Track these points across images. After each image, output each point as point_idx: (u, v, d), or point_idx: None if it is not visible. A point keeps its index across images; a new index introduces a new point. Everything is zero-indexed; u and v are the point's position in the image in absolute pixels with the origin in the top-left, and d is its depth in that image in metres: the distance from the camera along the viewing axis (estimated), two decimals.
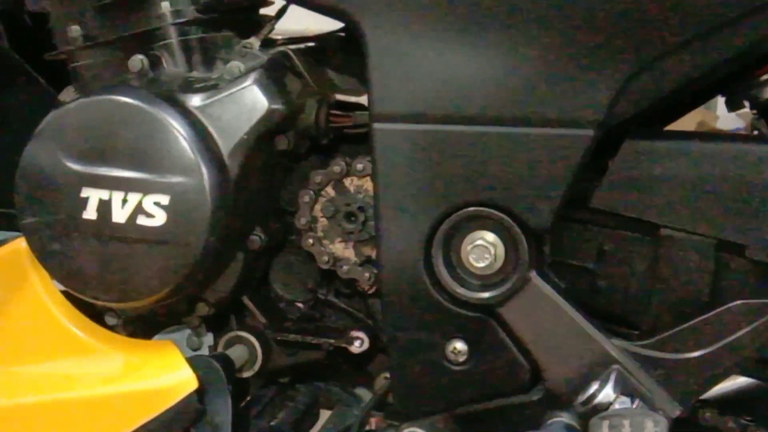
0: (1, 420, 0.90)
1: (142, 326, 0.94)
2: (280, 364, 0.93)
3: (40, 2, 0.92)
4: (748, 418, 0.82)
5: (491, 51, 0.76)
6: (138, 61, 0.85)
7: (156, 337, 0.98)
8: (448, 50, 0.77)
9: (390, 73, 0.78)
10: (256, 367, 0.92)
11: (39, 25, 0.96)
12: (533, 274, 0.78)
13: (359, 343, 0.88)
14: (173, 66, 0.87)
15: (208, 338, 0.96)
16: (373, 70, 0.78)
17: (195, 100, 0.82)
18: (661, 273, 0.79)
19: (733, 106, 0.87)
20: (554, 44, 0.75)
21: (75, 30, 0.88)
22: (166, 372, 0.82)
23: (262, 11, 0.98)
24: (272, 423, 0.92)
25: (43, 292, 0.90)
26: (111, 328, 0.92)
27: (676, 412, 0.76)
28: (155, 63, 0.87)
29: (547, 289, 0.78)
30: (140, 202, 0.80)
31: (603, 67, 0.74)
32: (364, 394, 0.98)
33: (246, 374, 0.92)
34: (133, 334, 0.93)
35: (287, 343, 0.91)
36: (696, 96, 0.90)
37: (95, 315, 0.92)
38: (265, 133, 0.83)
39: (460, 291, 0.80)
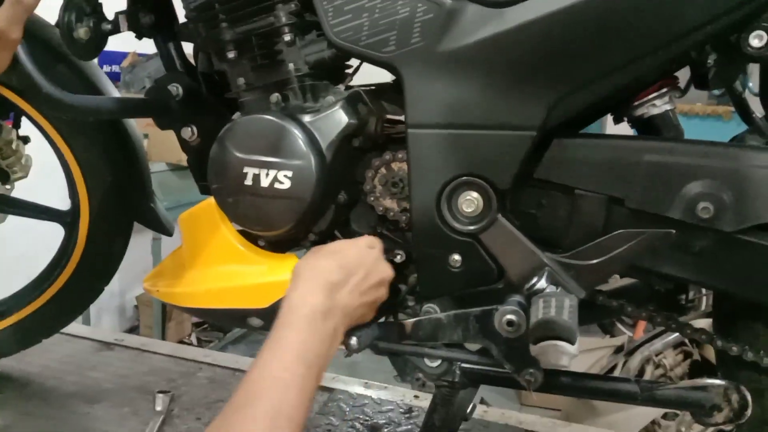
0: (205, 299, 0.96)
1: (279, 246, 0.99)
2: None
3: (221, 65, 0.97)
4: (622, 301, 0.87)
5: (473, 83, 0.80)
6: (275, 97, 0.93)
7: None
8: (452, 81, 0.81)
9: (418, 99, 0.84)
10: None
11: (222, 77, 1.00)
12: (500, 216, 0.84)
13: (399, 257, 0.93)
14: (295, 100, 0.92)
15: None
16: (408, 98, 0.84)
17: (307, 118, 0.88)
18: (575, 216, 0.83)
19: (616, 120, 0.92)
20: (514, 79, 0.79)
21: (240, 80, 0.95)
22: (287, 270, 0.84)
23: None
24: None
25: (224, 227, 0.96)
26: (262, 247, 0.97)
27: (582, 294, 0.82)
28: (285, 98, 0.93)
29: (508, 225, 0.84)
30: (276, 175, 0.87)
31: (542, 92, 0.79)
32: None
33: None
34: (274, 250, 0.98)
35: None
36: (597, 112, 0.95)
37: (253, 240, 0.98)
38: (346, 136, 0.88)
39: (457, 225, 0.86)
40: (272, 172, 0.87)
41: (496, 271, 0.85)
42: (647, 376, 2.21)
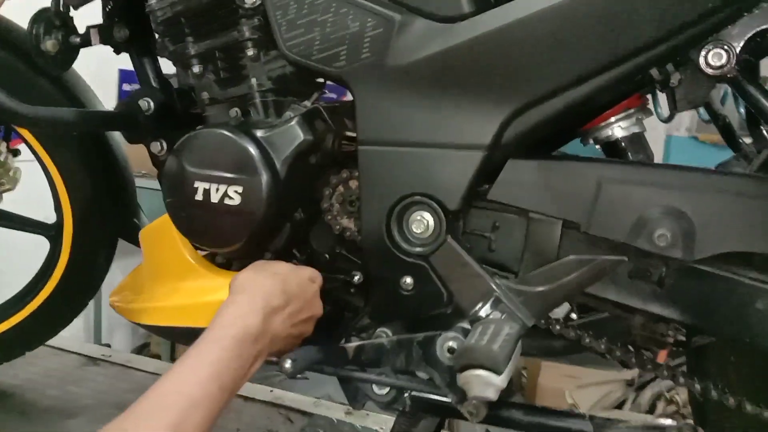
0: (158, 316, 0.96)
1: (238, 263, 0.96)
2: None
3: (187, 79, 0.97)
4: (579, 330, 0.83)
5: (429, 101, 0.79)
6: (233, 111, 0.92)
7: None
8: (402, 100, 0.79)
9: (368, 115, 0.82)
10: None
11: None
12: (449, 238, 0.81)
13: (357, 278, 0.91)
14: (256, 115, 0.91)
15: None
16: (359, 114, 0.83)
17: (260, 133, 0.86)
18: (529, 239, 0.81)
19: (583, 142, 0.89)
20: (458, 95, 0.77)
21: (204, 94, 0.95)
22: None
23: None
24: None
25: (180, 242, 0.94)
26: (220, 265, 0.97)
27: (531, 322, 0.79)
28: (246, 113, 0.92)
29: (457, 247, 0.81)
30: (226, 191, 0.85)
31: (491, 109, 0.76)
32: None
33: None
34: (231, 268, 0.96)
35: None
36: (564, 133, 0.91)
37: (212, 256, 0.97)
38: (302, 152, 0.86)
39: (407, 247, 0.83)
40: (222, 187, 0.86)
41: (446, 295, 0.82)
42: (658, 413, 2.11)
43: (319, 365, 0.82)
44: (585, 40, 0.72)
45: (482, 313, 0.78)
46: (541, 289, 0.77)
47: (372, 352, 0.83)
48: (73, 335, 2.52)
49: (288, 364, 0.75)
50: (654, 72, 0.78)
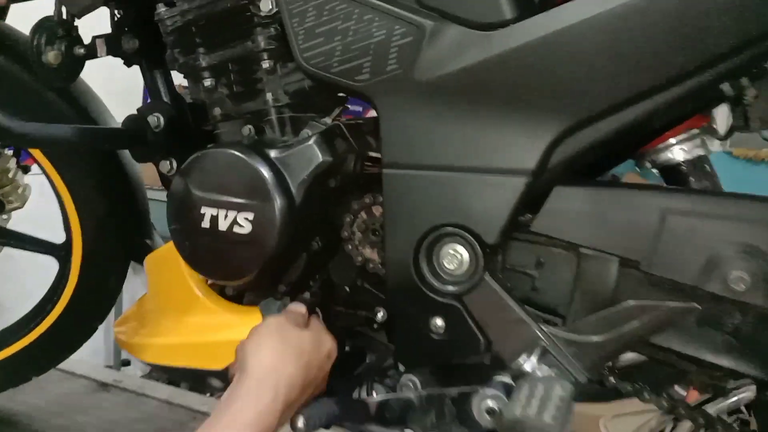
0: (161, 354, 0.90)
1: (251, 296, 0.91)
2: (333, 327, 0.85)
3: (198, 94, 0.91)
4: (639, 383, 0.74)
5: (461, 121, 0.71)
6: (246, 129, 0.85)
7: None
8: (432, 120, 0.72)
9: (394, 135, 0.74)
10: None
11: None
12: (487, 276, 0.72)
13: (381, 315, 0.83)
14: (272, 133, 0.85)
15: None
16: (383, 133, 0.75)
17: (274, 153, 0.79)
18: (580, 278, 0.72)
19: (638, 165, 0.79)
20: (499, 116, 0.69)
21: (217, 111, 0.89)
22: (248, 327, 0.77)
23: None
24: None
25: (186, 272, 0.89)
26: (229, 297, 0.90)
27: (584, 379, 0.69)
28: (260, 131, 0.86)
29: (497, 287, 0.73)
30: (236, 218, 0.78)
31: (536, 130, 0.68)
32: None
33: None
34: (241, 301, 0.90)
35: (336, 312, 0.87)
36: (616, 157, 0.82)
37: (221, 288, 0.90)
38: (320, 175, 0.79)
39: (437, 285, 0.75)
40: (231, 214, 0.79)
41: (483, 342, 0.73)
42: None
43: (341, 421, 0.72)
44: (650, 50, 0.61)
45: (527, 367, 0.69)
46: (596, 339, 0.68)
47: (398, 408, 0.74)
48: (94, 349, 2.48)
49: (300, 423, 0.67)
50: (725, 86, 0.68)
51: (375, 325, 0.85)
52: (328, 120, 0.86)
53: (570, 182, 0.72)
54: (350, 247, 0.84)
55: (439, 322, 0.75)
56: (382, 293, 0.84)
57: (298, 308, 0.80)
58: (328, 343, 0.77)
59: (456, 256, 0.73)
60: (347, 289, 0.88)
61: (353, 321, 0.87)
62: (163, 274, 0.91)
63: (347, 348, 0.85)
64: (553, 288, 0.74)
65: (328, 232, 0.86)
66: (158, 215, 1.17)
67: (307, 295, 0.85)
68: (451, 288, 0.74)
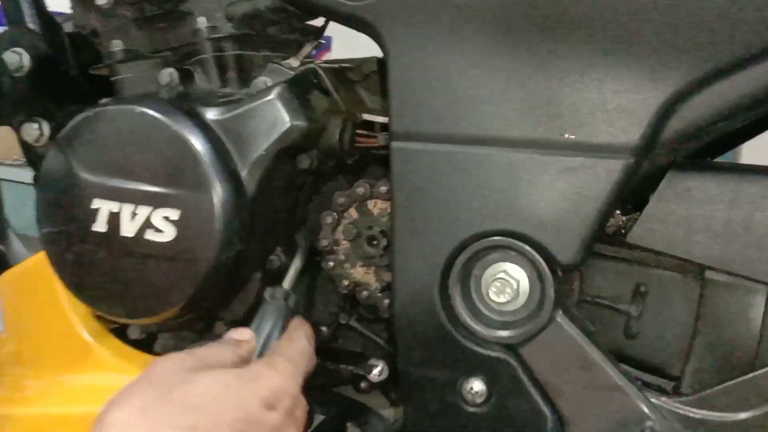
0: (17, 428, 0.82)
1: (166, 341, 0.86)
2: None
3: (88, 19, 0.87)
4: None
5: (517, 69, 0.64)
6: (166, 74, 0.78)
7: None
8: (473, 67, 0.66)
9: (411, 89, 0.67)
10: None
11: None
12: (559, 314, 0.66)
13: (378, 372, 0.79)
14: (206, 81, 0.82)
15: None
16: (393, 86, 0.67)
17: (213, 114, 0.73)
18: (705, 319, 0.68)
19: None
20: (584, 61, 0.63)
21: (116, 44, 0.84)
22: None
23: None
24: None
25: (64, 300, 0.83)
26: (132, 343, 0.84)
27: None
28: (188, 77, 0.82)
29: (575, 330, 0.67)
30: (149, 217, 0.71)
31: (641, 85, 0.62)
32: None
33: None
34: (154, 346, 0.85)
35: None
36: (754, 125, 0.76)
37: (119, 328, 0.84)
38: (286, 150, 0.73)
39: (478, 328, 0.68)
40: (142, 211, 0.72)
41: (550, 419, 0.68)
42: None
43: None
44: None
45: None
46: (742, 416, 0.62)
47: None
48: None
49: None
50: None
51: (363, 385, 0.84)
52: (295, 62, 0.82)
53: (691, 167, 0.68)
54: (332, 264, 0.79)
55: (478, 386, 0.70)
56: (382, 338, 0.83)
57: (240, 335, 0.69)
58: (285, 399, 0.65)
59: (509, 283, 0.68)
60: (323, 330, 0.84)
61: (332, 378, 0.83)
62: (28, 304, 0.87)
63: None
64: (660, 332, 0.71)
65: (295, 242, 0.82)
66: (17, 205, 1.18)
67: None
68: (500, 333, 0.69)
